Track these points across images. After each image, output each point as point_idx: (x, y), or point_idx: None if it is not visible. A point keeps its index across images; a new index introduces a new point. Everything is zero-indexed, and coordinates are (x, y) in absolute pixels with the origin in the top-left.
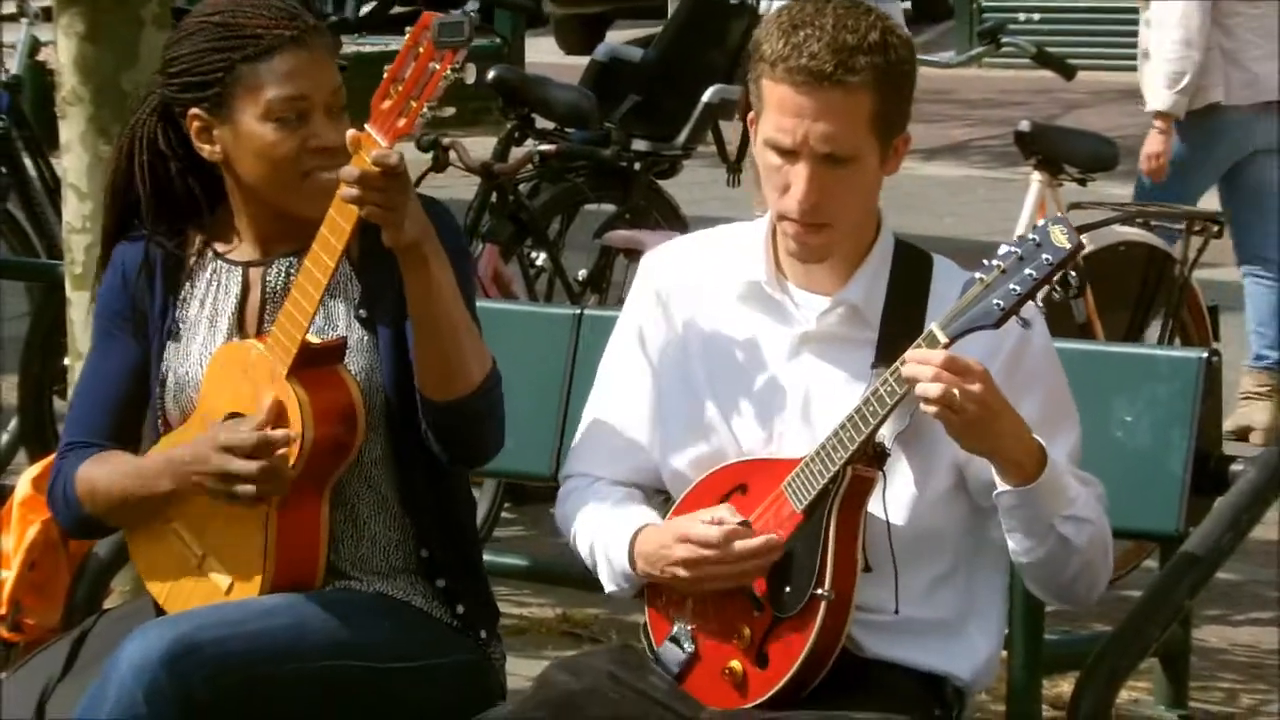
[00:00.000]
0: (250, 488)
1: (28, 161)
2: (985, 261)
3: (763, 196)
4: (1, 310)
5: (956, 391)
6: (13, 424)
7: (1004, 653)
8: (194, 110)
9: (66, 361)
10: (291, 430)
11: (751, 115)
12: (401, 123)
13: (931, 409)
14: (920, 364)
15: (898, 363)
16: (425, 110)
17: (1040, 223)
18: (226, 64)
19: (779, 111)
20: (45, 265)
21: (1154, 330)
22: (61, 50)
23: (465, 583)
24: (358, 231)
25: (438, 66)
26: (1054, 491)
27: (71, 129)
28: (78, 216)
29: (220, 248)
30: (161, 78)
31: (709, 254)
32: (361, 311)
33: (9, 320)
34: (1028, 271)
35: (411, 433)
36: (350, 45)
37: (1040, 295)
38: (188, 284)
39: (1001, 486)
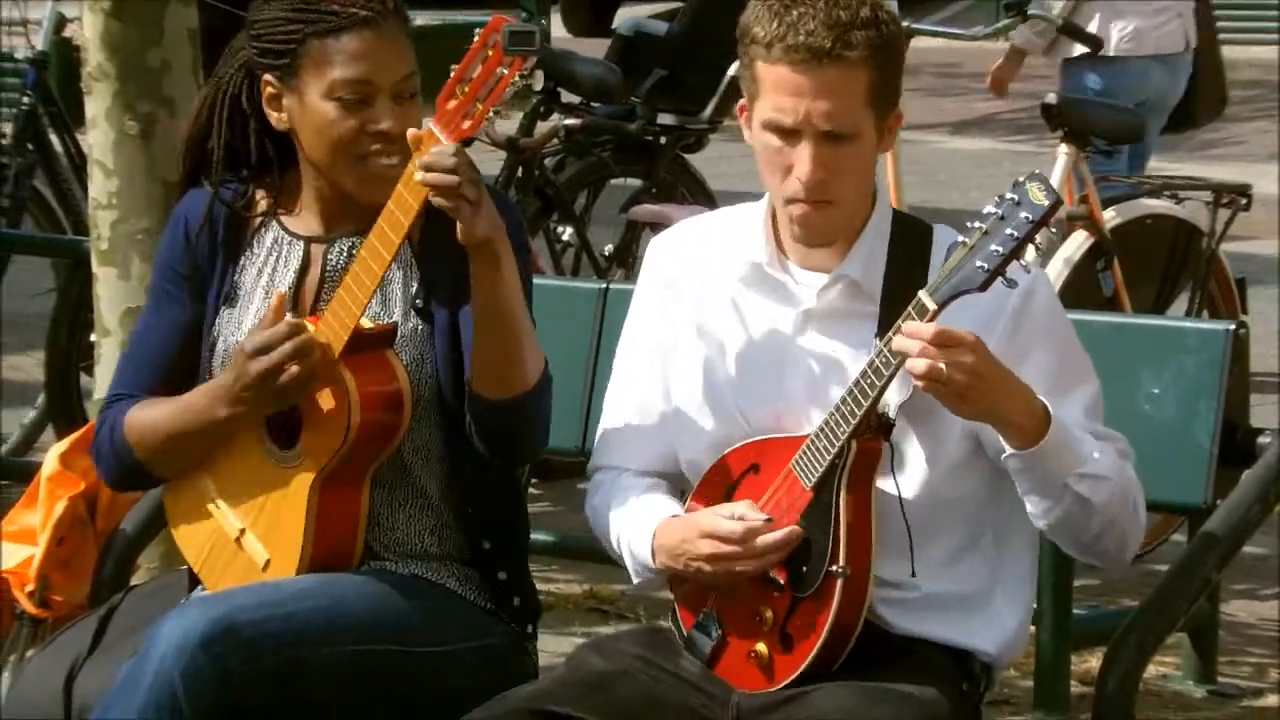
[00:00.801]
0: (294, 369)
1: (54, 138)
2: (968, 224)
3: None
4: (28, 287)
5: (943, 365)
6: (40, 400)
7: (1032, 628)
8: (266, 76)
9: (93, 338)
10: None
11: (741, 104)
12: (467, 125)
13: (920, 383)
14: (909, 338)
15: (890, 333)
16: (490, 114)
17: (1019, 179)
18: (299, 36)
19: (777, 92)
20: (71, 241)
21: (1181, 303)
22: (87, 26)
23: (517, 574)
24: (420, 220)
25: (505, 72)
26: (1063, 451)
27: (97, 105)
28: (104, 192)
29: (284, 216)
30: (246, 37)
31: (713, 237)
32: (418, 300)
33: (35, 297)
34: (1008, 231)
35: (459, 424)
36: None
37: (1025, 254)
38: (248, 249)
39: (1007, 450)
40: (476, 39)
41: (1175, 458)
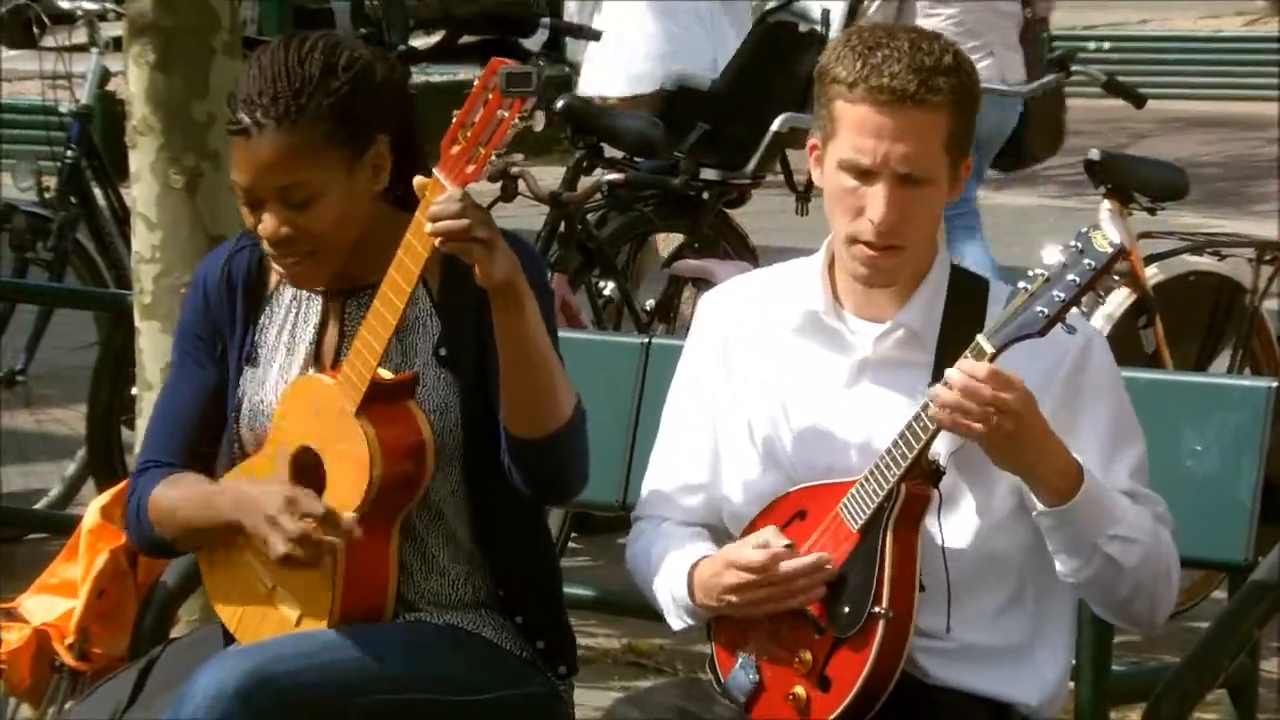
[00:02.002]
0: (281, 546)
1: (97, 191)
2: (1030, 271)
3: None
4: (70, 340)
5: (986, 409)
6: (80, 454)
7: (1071, 683)
8: None
9: (135, 391)
10: (355, 529)
11: (813, 143)
12: (470, 169)
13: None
14: (963, 374)
15: (946, 375)
16: (493, 157)
17: (1083, 230)
18: (228, 126)
19: (858, 132)
20: (114, 295)
21: (1223, 360)
22: (132, 79)
23: (545, 618)
24: (436, 269)
25: (506, 114)
26: (1095, 512)
27: (142, 158)
28: (147, 246)
29: None
30: None
31: (766, 291)
32: (441, 350)
33: (77, 350)
34: (1071, 277)
35: (486, 470)
36: (419, 75)
37: (1085, 301)
38: (268, 308)
39: (1039, 508)
40: (476, 83)
41: (1216, 515)
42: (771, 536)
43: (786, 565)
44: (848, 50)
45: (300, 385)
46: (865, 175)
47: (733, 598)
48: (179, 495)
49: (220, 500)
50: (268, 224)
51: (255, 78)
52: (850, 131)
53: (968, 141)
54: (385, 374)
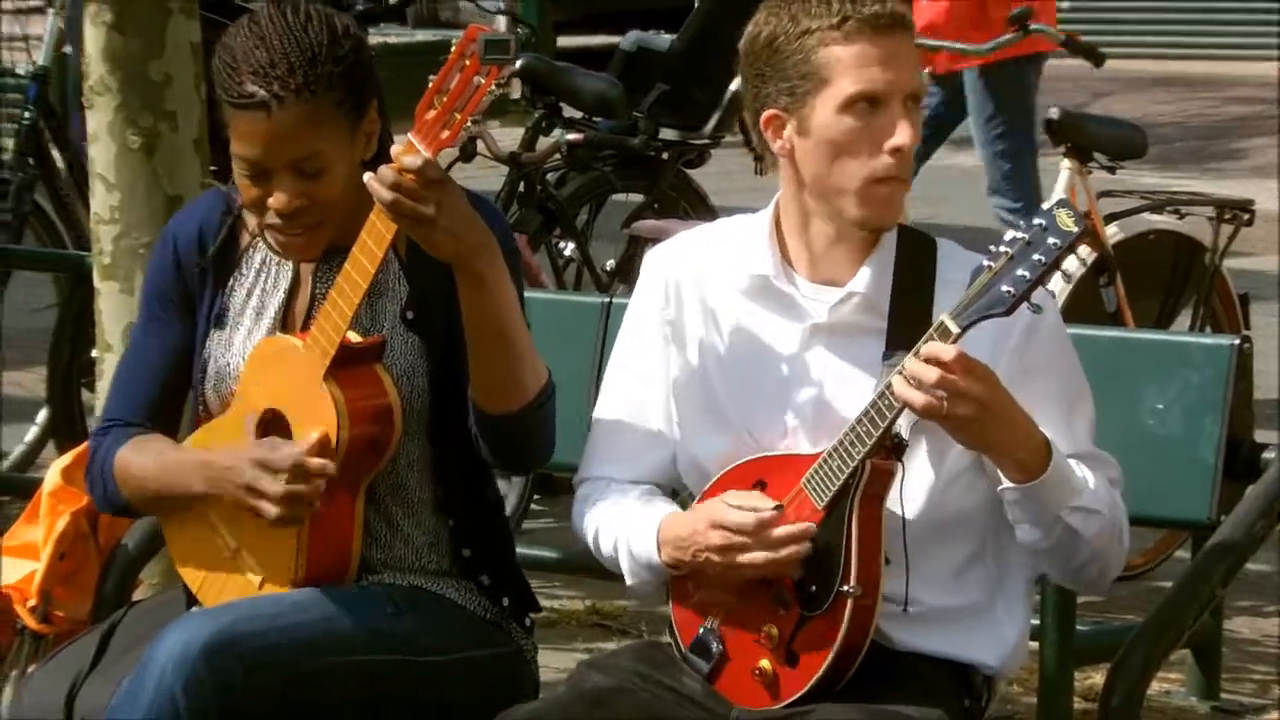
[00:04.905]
0: (272, 509)
1: (55, 152)
2: (992, 248)
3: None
4: (29, 302)
5: (945, 402)
6: (41, 415)
7: (1035, 644)
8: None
9: (95, 353)
10: (328, 465)
11: (771, 113)
12: (445, 135)
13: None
14: (929, 359)
15: (911, 353)
16: (469, 123)
17: (1046, 206)
18: (221, 98)
19: (862, 65)
20: (73, 256)
21: (1184, 319)
22: (89, 40)
23: (506, 577)
24: (404, 235)
25: (482, 81)
26: (1059, 485)
27: (99, 118)
28: (105, 207)
29: None
30: None
31: (712, 248)
32: (409, 313)
33: (37, 312)
34: (1036, 256)
35: (453, 436)
36: (376, 36)
37: (1048, 280)
38: (237, 270)
39: (1005, 483)
40: (454, 49)
41: (1180, 473)
42: (759, 500)
43: (779, 531)
44: (809, 3)
45: (268, 347)
46: (873, 108)
47: (715, 556)
48: (143, 461)
49: (190, 473)
50: (280, 197)
51: (258, 49)
52: (854, 68)
53: None
54: (354, 337)
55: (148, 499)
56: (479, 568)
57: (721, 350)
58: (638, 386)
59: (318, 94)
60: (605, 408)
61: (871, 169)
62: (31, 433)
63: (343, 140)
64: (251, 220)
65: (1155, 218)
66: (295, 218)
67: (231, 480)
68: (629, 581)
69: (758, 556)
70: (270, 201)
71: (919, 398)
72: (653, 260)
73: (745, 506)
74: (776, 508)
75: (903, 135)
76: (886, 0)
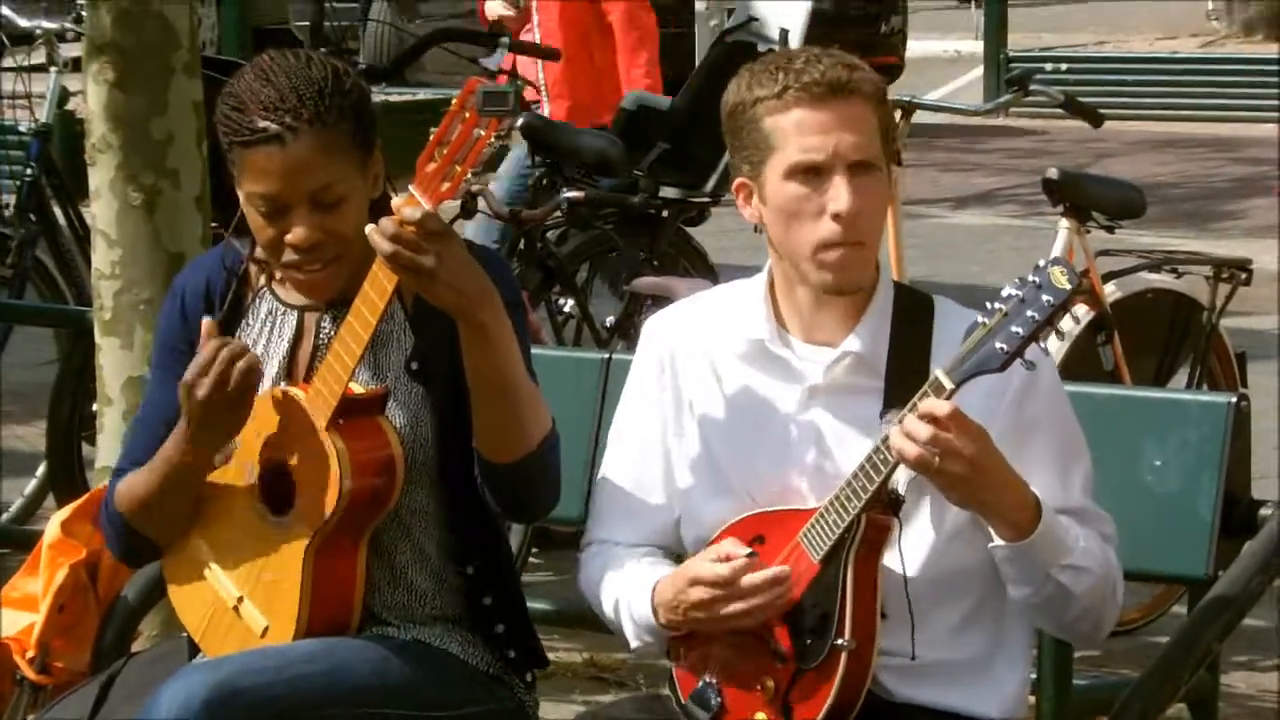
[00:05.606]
0: (205, 382)
1: (57, 209)
2: (988, 305)
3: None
4: (30, 357)
5: (937, 458)
6: (41, 469)
7: (1032, 697)
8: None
9: (95, 407)
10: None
11: (740, 182)
12: (445, 187)
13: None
14: (923, 417)
15: (905, 409)
16: (470, 176)
17: (1040, 264)
18: (227, 141)
19: (802, 134)
20: (74, 312)
21: (1181, 378)
22: (91, 97)
23: (519, 629)
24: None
25: (483, 133)
26: (1050, 544)
27: (101, 176)
28: (106, 262)
29: (278, 286)
30: None
31: (710, 315)
32: (413, 364)
33: (38, 367)
34: (1029, 313)
35: (459, 485)
36: (378, 94)
37: (1043, 337)
38: (243, 322)
39: (995, 541)
40: (454, 102)
41: (1177, 529)
42: (731, 548)
43: (748, 578)
44: (762, 73)
45: (271, 398)
46: (818, 175)
47: (698, 614)
48: (136, 475)
49: (165, 450)
50: (299, 231)
51: (265, 87)
52: (793, 137)
53: (891, 138)
54: (356, 388)
55: (147, 504)
56: (496, 616)
57: (722, 415)
58: (638, 452)
59: (329, 124)
60: (608, 471)
61: (819, 235)
62: (31, 486)
63: (355, 172)
64: (261, 276)
65: (1153, 276)
66: (314, 252)
67: (192, 414)
68: (633, 645)
69: (737, 607)
70: (289, 237)
71: (912, 450)
72: (651, 329)
73: (720, 558)
74: (750, 555)
75: (840, 201)
76: (830, 67)
